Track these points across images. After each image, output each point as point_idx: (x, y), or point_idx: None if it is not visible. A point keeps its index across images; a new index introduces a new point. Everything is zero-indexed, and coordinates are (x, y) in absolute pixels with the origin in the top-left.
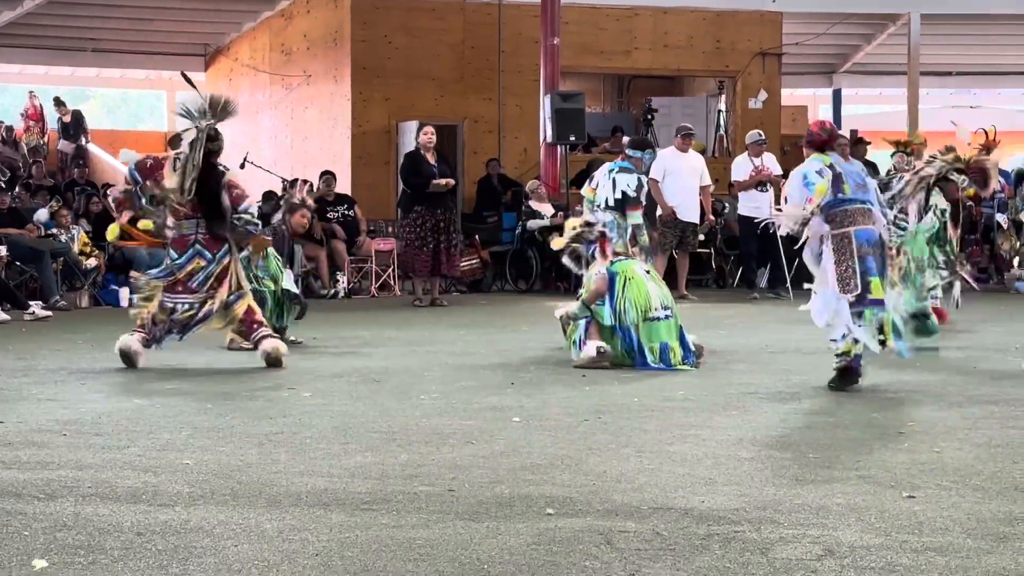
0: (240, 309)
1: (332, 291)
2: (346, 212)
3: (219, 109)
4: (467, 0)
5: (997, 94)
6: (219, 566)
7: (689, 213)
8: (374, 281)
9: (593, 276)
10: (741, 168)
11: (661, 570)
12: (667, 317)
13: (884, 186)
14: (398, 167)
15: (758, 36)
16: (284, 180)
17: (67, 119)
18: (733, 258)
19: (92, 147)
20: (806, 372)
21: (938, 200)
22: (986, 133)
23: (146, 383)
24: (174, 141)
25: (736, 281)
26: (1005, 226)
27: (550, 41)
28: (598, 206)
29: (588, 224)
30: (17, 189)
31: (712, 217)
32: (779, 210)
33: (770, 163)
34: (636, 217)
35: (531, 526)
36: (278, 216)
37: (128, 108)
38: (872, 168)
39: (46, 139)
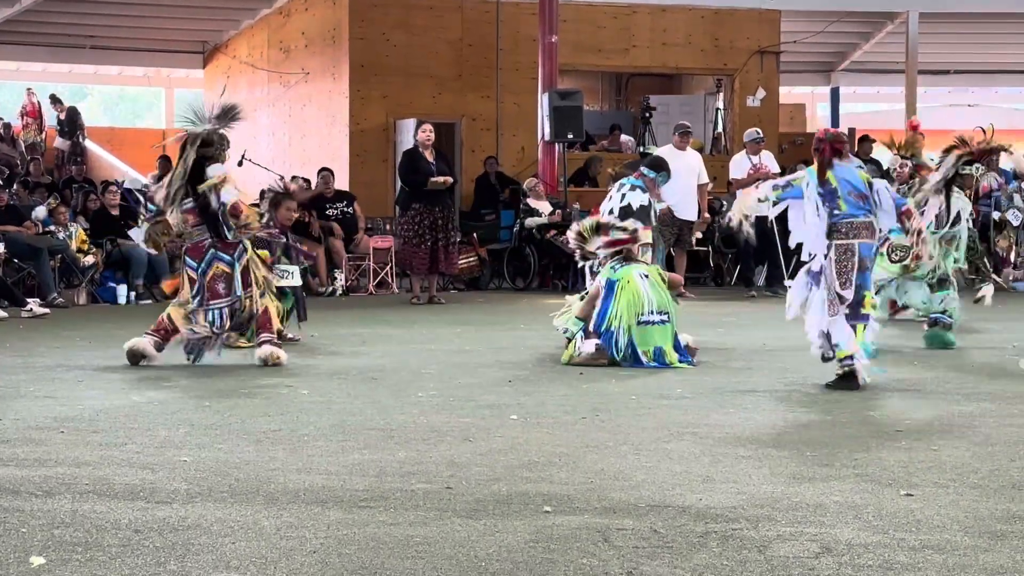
0: (267, 303)
1: (330, 289)
2: (345, 209)
3: (220, 115)
4: None
5: (994, 92)
6: (217, 563)
7: (686, 211)
8: (372, 279)
9: (593, 286)
10: (739, 166)
11: (659, 568)
12: (662, 322)
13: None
14: (396, 165)
15: (756, 34)
16: (282, 177)
17: (63, 116)
18: (731, 256)
19: (90, 144)
20: (803, 370)
21: (963, 204)
22: (984, 131)
23: (144, 380)
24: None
25: (734, 279)
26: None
27: (548, 39)
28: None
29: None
30: (15, 186)
31: (707, 215)
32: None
33: (768, 161)
34: (647, 236)
35: (529, 524)
36: (265, 216)
37: (126, 105)
38: (876, 165)
39: (44, 136)
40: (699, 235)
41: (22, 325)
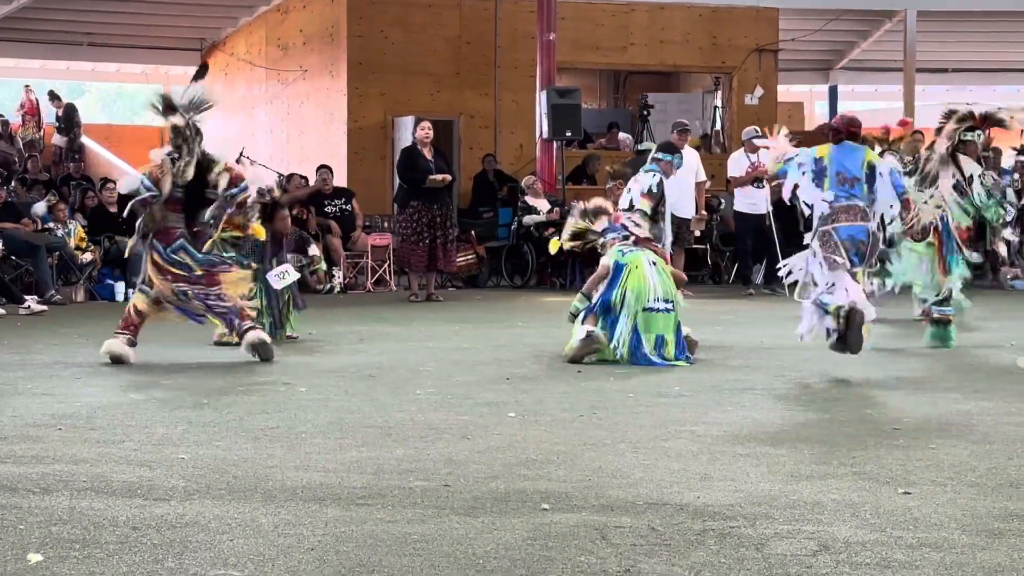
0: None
1: (327, 286)
2: (343, 206)
3: (190, 105)
4: None
5: (993, 91)
6: (214, 560)
7: (684, 209)
8: (370, 276)
9: (601, 262)
10: (737, 164)
11: (656, 565)
12: (667, 310)
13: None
14: (394, 162)
15: (754, 32)
16: (280, 175)
17: (60, 113)
18: (729, 254)
19: (88, 141)
20: (801, 368)
21: (973, 168)
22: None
23: (141, 378)
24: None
25: (732, 277)
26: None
27: (546, 37)
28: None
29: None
30: (13, 183)
31: (704, 212)
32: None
33: (766, 159)
34: (643, 205)
35: (526, 521)
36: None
37: (124, 102)
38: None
39: (42, 133)
40: (697, 233)
41: (20, 322)
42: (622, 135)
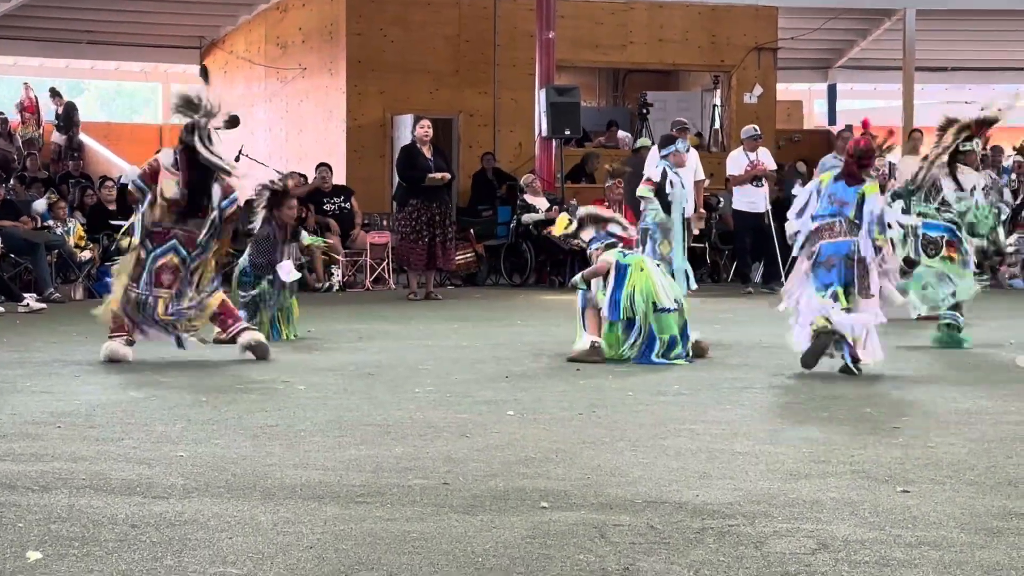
0: (214, 302)
1: (326, 284)
2: (343, 204)
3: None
4: None
5: (992, 90)
6: (213, 558)
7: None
8: (369, 274)
9: (600, 257)
10: (736, 163)
11: (655, 563)
12: (676, 310)
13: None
14: (393, 160)
15: (753, 31)
16: (279, 173)
17: (60, 111)
18: (727, 253)
19: (87, 139)
20: (800, 367)
21: (975, 178)
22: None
23: (140, 376)
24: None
25: (731, 276)
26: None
27: (545, 35)
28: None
29: (615, 222)
30: (11, 181)
31: (702, 211)
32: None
33: (765, 158)
34: (643, 191)
35: (525, 519)
36: (259, 220)
37: (123, 100)
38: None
39: (41, 131)
40: (696, 231)
41: (19, 320)
42: (621, 133)
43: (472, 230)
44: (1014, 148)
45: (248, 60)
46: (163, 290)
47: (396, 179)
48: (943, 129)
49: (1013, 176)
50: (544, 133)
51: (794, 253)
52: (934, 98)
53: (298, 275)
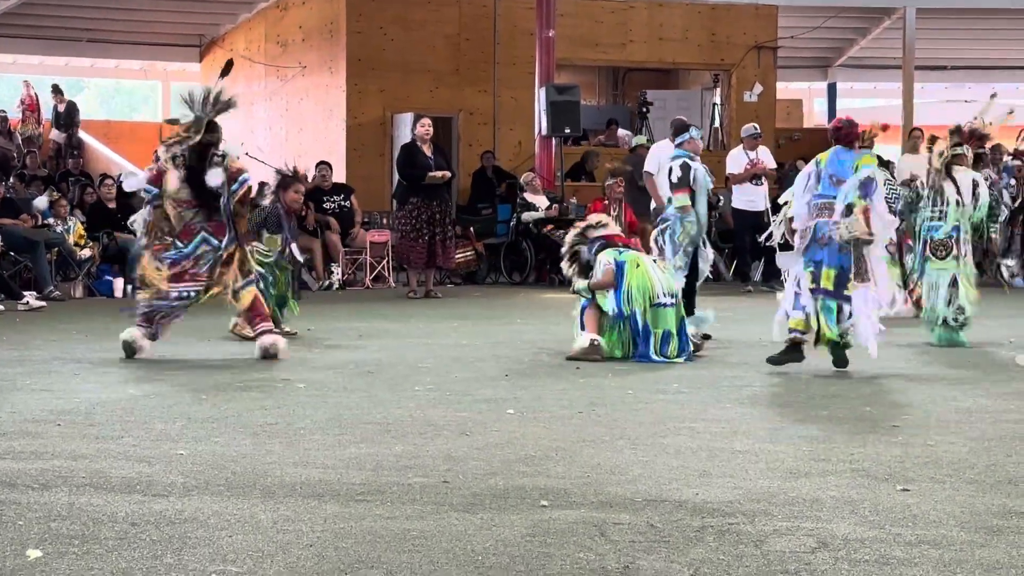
0: (247, 299)
1: (326, 283)
2: (342, 203)
3: (218, 102)
4: None
5: (991, 88)
6: (213, 556)
7: None
8: (368, 273)
9: (602, 266)
10: (736, 161)
11: (655, 562)
12: (672, 305)
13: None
14: (393, 159)
15: (753, 29)
16: (279, 170)
17: (62, 108)
18: (727, 251)
19: (87, 138)
20: (800, 365)
21: (973, 175)
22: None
23: (140, 374)
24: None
25: (730, 274)
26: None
27: (545, 33)
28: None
29: (591, 225)
30: (11, 179)
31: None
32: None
33: (765, 156)
34: (681, 200)
35: (525, 518)
36: (268, 199)
37: (122, 98)
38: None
39: (41, 129)
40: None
41: (18, 318)
42: (621, 132)
43: (472, 228)
44: (1009, 154)
45: (248, 58)
46: (196, 283)
47: (396, 177)
48: (933, 141)
49: (1012, 182)
50: (544, 131)
51: (795, 225)
52: (934, 97)
53: (305, 256)
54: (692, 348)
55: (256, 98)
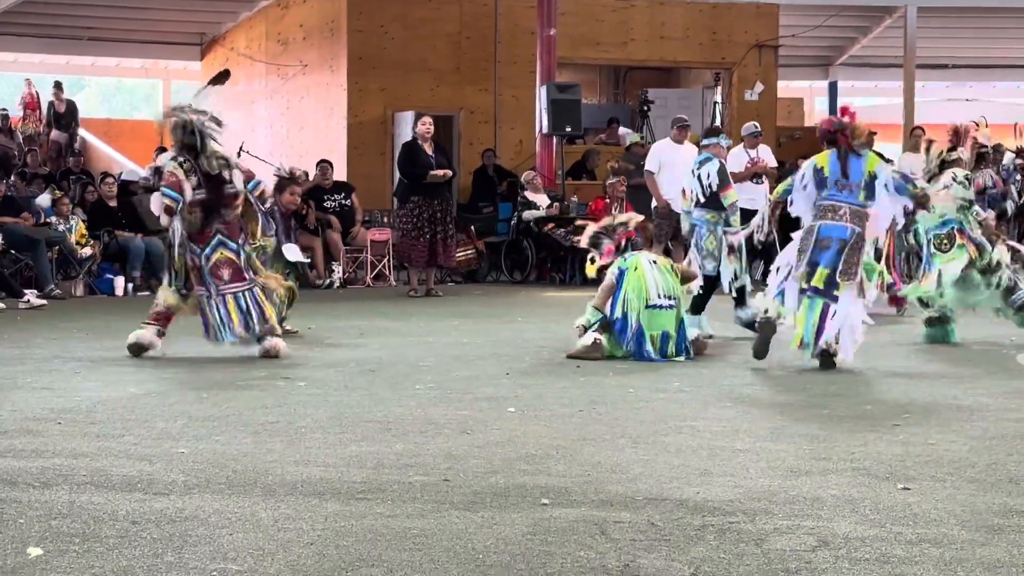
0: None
1: (327, 281)
2: (343, 201)
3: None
4: None
5: (992, 87)
6: (214, 554)
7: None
8: (369, 271)
9: (607, 277)
10: (736, 160)
11: (656, 560)
12: (670, 307)
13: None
14: (394, 157)
15: (754, 28)
16: (279, 169)
17: (61, 108)
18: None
19: (88, 136)
20: (800, 364)
21: (956, 170)
22: (976, 125)
23: (141, 372)
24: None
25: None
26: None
27: (546, 32)
28: (689, 211)
29: (612, 226)
30: (12, 177)
31: None
32: None
33: (766, 155)
34: (730, 196)
35: (526, 516)
36: (268, 201)
37: (123, 97)
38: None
39: (42, 127)
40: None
41: (19, 316)
42: (622, 130)
43: (473, 227)
44: (1011, 151)
45: (249, 57)
46: (227, 285)
47: (397, 176)
48: (927, 148)
49: (1019, 177)
50: (545, 130)
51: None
52: (935, 95)
53: (306, 259)
54: (693, 350)
55: (257, 96)
